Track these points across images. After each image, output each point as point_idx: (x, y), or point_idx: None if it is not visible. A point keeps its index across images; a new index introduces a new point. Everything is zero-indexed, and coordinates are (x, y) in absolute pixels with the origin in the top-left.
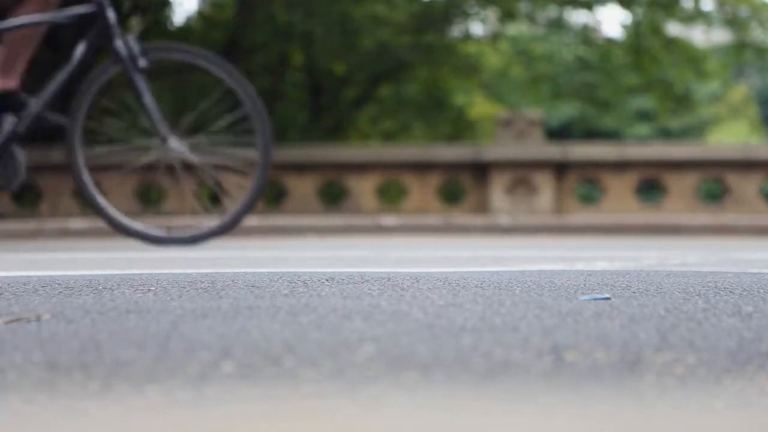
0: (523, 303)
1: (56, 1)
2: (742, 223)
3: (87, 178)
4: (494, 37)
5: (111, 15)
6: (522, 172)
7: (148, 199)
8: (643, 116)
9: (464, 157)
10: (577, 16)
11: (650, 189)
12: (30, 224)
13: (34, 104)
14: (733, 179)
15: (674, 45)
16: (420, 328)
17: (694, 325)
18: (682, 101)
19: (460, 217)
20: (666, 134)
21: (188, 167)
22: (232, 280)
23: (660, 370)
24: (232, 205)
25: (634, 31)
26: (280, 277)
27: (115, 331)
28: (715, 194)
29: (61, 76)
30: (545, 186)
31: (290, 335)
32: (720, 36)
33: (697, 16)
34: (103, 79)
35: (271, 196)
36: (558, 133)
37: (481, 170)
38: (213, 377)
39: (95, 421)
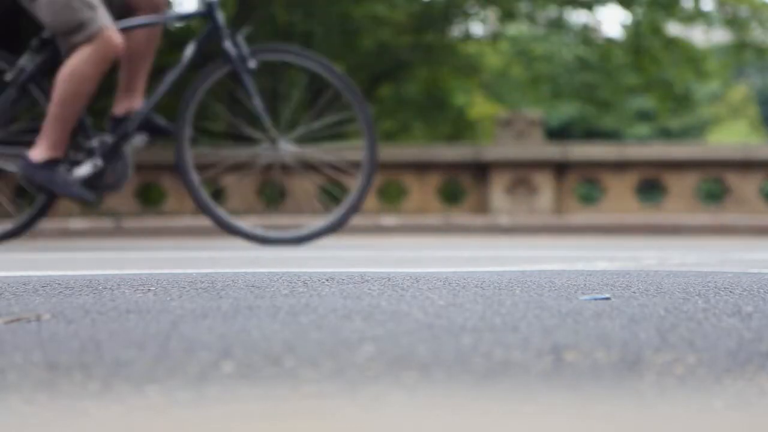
0: (523, 303)
1: (165, 6)
2: (742, 223)
3: (194, 177)
4: (494, 37)
5: (220, 17)
6: (522, 172)
7: (258, 198)
8: (643, 116)
9: (464, 157)
10: (577, 16)
11: (650, 189)
12: None
13: (145, 105)
14: (733, 179)
15: (674, 45)
16: (420, 328)
17: (694, 325)
18: (682, 101)
19: (460, 217)
20: (666, 134)
21: (296, 167)
22: (232, 280)
23: (660, 370)
24: (337, 206)
25: (634, 31)
26: (280, 277)
27: (115, 331)
28: (715, 194)
29: (170, 78)
30: (545, 186)
31: (290, 335)
32: (720, 36)
33: (697, 16)
34: (212, 81)
35: (271, 195)
36: (558, 133)
37: (481, 170)
38: (213, 377)
39: (95, 421)
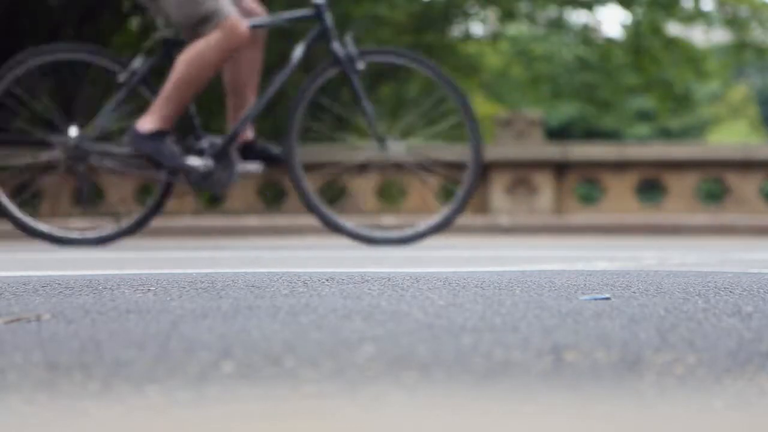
0: (523, 303)
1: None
2: (742, 223)
3: (302, 174)
4: (494, 37)
5: (329, 18)
6: (522, 172)
7: (377, 198)
8: (643, 116)
9: (464, 157)
10: (577, 16)
11: (650, 189)
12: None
13: (255, 106)
14: (733, 179)
15: (674, 45)
16: (420, 328)
17: (694, 325)
18: (682, 101)
19: (460, 217)
20: (666, 134)
21: (401, 167)
22: (232, 280)
23: (660, 370)
24: (444, 206)
25: (634, 31)
26: (280, 277)
27: (115, 331)
28: (715, 194)
29: (280, 78)
30: (545, 186)
31: (290, 335)
32: (720, 36)
33: (697, 16)
34: (320, 82)
35: (271, 195)
36: (558, 133)
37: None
38: (213, 377)
39: (95, 421)
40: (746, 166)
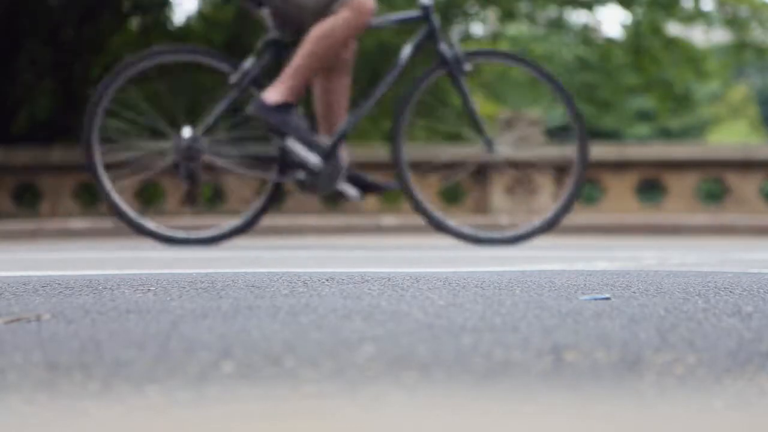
0: (523, 303)
1: (372, 10)
2: (742, 223)
3: (408, 173)
4: (494, 37)
5: (436, 20)
6: (522, 172)
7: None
8: (643, 116)
9: (464, 157)
10: (577, 16)
11: (650, 189)
12: (30, 224)
13: (365, 107)
14: (733, 179)
15: (674, 45)
16: (420, 328)
17: (694, 325)
18: (682, 101)
19: (460, 217)
20: (666, 134)
21: (500, 167)
22: (232, 280)
23: (660, 370)
24: (552, 204)
25: (634, 31)
26: (280, 277)
27: (115, 331)
28: (715, 194)
29: (387, 80)
30: (545, 186)
31: (290, 335)
32: (720, 36)
33: (697, 16)
34: (427, 83)
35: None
36: (558, 133)
37: (480, 170)
38: (213, 377)
39: (95, 421)
40: (746, 166)
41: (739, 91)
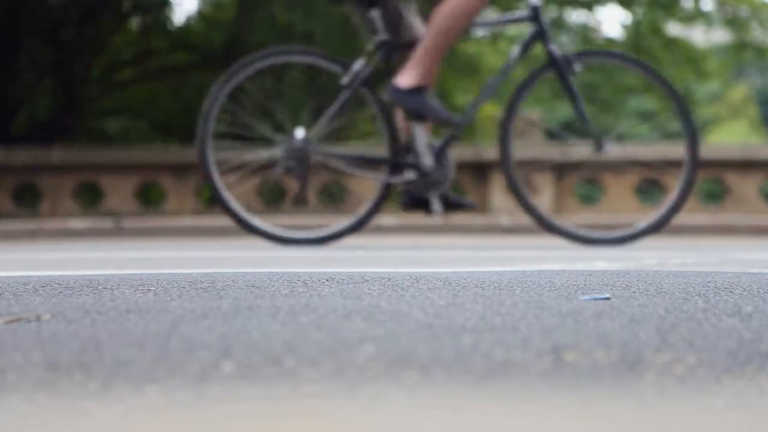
0: (523, 303)
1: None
2: (742, 223)
3: (514, 171)
4: (494, 37)
5: (545, 20)
6: (522, 172)
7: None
8: (643, 116)
9: (464, 157)
10: (577, 16)
11: (650, 189)
12: (30, 224)
13: (473, 109)
14: (733, 179)
15: (674, 45)
16: (420, 328)
17: (694, 325)
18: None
19: (460, 217)
20: (666, 134)
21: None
22: (232, 280)
23: (660, 370)
24: (663, 205)
25: (634, 31)
26: (280, 277)
27: (115, 331)
28: (715, 194)
29: (495, 81)
30: (545, 186)
31: (290, 335)
32: (720, 36)
33: (697, 16)
34: (535, 83)
35: (271, 195)
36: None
37: (481, 170)
38: (213, 377)
39: (95, 421)
40: (746, 166)
41: (739, 91)
